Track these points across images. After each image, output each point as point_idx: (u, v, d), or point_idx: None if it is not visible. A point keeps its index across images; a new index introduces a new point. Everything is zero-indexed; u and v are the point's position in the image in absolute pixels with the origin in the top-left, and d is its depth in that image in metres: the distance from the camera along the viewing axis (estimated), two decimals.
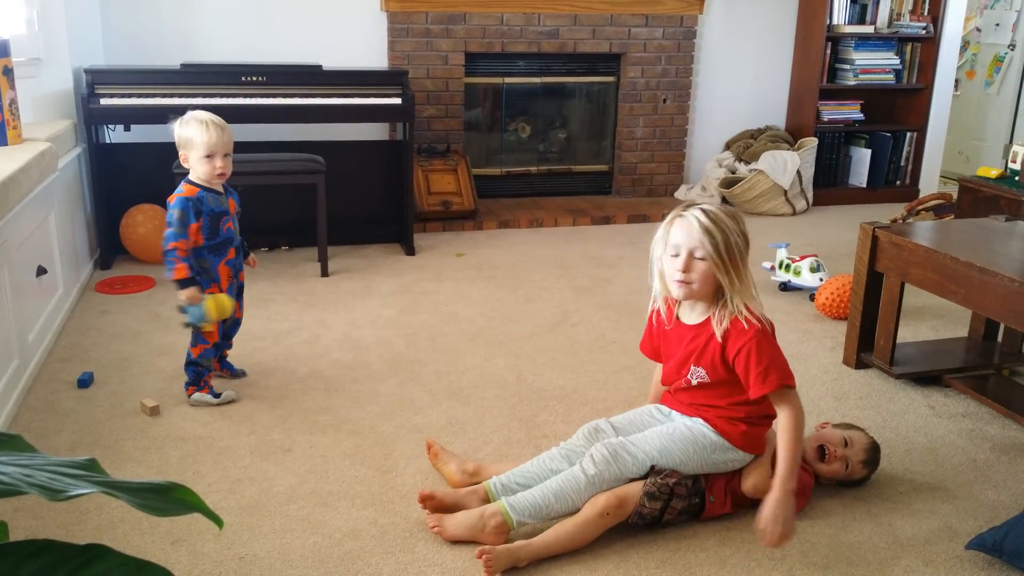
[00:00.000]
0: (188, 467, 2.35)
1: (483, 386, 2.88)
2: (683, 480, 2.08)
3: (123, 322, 3.39)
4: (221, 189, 2.71)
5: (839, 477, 2.28)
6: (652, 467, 2.08)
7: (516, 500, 2.04)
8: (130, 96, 3.98)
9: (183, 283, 2.58)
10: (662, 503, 2.04)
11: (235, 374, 2.91)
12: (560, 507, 2.03)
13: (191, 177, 2.67)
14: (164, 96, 4.03)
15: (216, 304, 2.59)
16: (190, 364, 2.72)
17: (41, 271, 3.04)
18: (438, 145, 5.04)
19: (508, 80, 5.29)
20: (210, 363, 2.74)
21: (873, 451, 2.31)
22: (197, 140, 2.62)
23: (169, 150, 4.09)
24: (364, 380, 2.92)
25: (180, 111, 3.99)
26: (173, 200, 2.63)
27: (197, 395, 2.70)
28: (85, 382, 2.81)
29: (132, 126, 4.21)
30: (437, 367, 3.02)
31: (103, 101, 3.92)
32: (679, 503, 2.06)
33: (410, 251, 4.38)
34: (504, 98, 5.36)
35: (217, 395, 2.71)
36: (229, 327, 2.84)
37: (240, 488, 2.25)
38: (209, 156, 2.62)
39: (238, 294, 2.79)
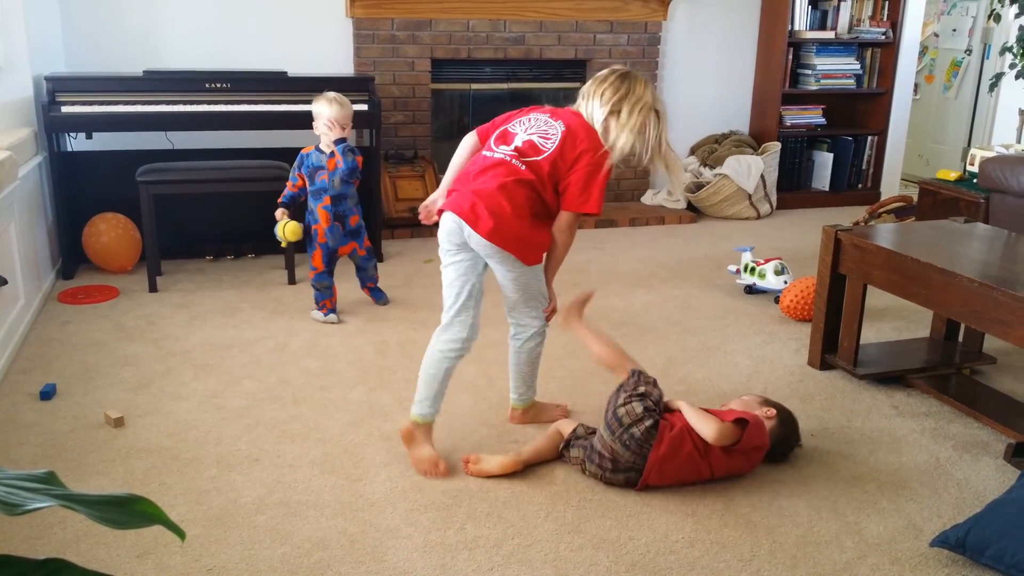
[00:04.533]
0: (153, 479, 2.32)
1: (453, 392, 2.86)
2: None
3: (86, 332, 3.35)
4: (327, 151, 3.49)
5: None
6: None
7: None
8: (92, 104, 3.93)
9: (277, 206, 3.53)
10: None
11: (379, 301, 3.72)
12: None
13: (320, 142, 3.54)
14: (127, 103, 3.98)
15: (285, 227, 3.44)
16: (312, 286, 3.54)
17: (1, 281, 2.99)
18: (405, 151, 5.03)
19: (475, 86, 5.29)
20: (322, 286, 3.51)
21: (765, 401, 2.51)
22: (322, 112, 3.46)
23: (131, 158, 4.08)
24: (333, 388, 2.90)
25: (143, 119, 3.99)
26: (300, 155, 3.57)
27: (314, 312, 3.53)
28: (47, 394, 2.77)
29: (94, 134, 4.17)
30: (407, 374, 3.01)
31: (64, 109, 3.87)
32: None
33: (378, 258, 4.36)
34: (471, 104, 5.36)
35: (327, 313, 3.50)
36: (358, 261, 3.66)
37: (207, 499, 2.22)
38: (328, 123, 3.45)
39: (351, 236, 3.57)
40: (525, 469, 2.38)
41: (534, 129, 2.42)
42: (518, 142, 2.40)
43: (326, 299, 3.53)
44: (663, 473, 2.26)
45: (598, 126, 2.40)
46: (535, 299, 2.52)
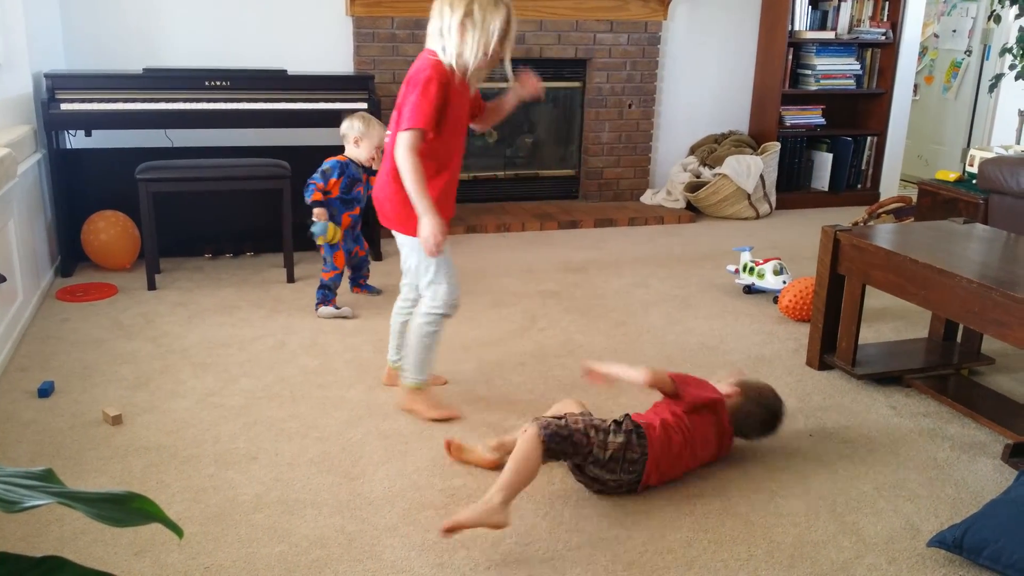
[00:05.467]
0: (151, 476, 2.32)
1: (451, 391, 2.88)
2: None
3: (84, 330, 3.34)
4: (363, 165, 3.63)
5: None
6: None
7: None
8: (91, 101, 3.93)
9: (315, 204, 3.52)
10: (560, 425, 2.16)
11: (372, 292, 3.85)
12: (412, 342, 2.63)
13: (348, 152, 3.62)
14: (126, 101, 3.98)
15: (332, 229, 3.52)
16: (321, 287, 3.58)
17: (0, 279, 2.98)
18: None
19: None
20: (336, 285, 3.58)
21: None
22: (375, 135, 3.58)
23: (131, 156, 4.08)
24: (331, 386, 2.90)
25: (142, 116, 3.99)
26: (330, 160, 3.59)
27: (323, 308, 3.55)
28: (45, 391, 2.77)
29: (93, 131, 4.16)
30: None
31: (64, 106, 3.87)
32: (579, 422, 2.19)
33: (377, 256, 4.36)
34: None
35: (339, 307, 3.56)
36: (357, 262, 3.80)
37: (204, 497, 2.22)
38: (378, 147, 3.57)
39: (357, 240, 3.74)
40: None
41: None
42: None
43: (334, 297, 3.58)
44: (661, 473, 2.27)
45: (453, 34, 2.39)
46: (426, 271, 2.54)
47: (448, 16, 2.39)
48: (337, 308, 3.55)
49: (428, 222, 2.41)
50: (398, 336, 2.83)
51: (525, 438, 2.09)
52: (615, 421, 2.26)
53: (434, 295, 2.56)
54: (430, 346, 2.61)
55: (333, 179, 3.54)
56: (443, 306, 2.57)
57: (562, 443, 2.12)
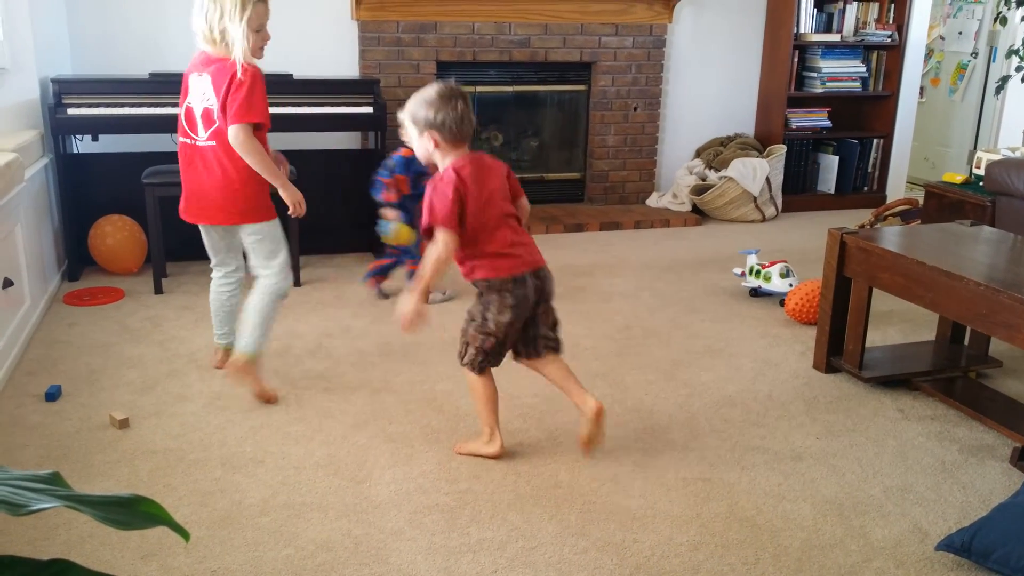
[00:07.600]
0: (158, 480, 2.32)
1: (457, 395, 2.87)
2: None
3: (91, 334, 3.35)
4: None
5: None
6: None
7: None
8: (98, 106, 3.94)
9: (383, 204, 3.55)
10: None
11: (381, 294, 3.81)
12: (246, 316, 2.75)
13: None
14: (132, 106, 3.99)
15: (399, 230, 3.54)
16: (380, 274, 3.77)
17: (7, 283, 3.00)
18: None
19: (480, 89, 5.30)
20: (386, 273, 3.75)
21: None
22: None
23: (137, 160, 4.09)
24: (337, 390, 2.90)
25: (149, 121, 4.00)
26: (394, 155, 3.55)
27: (432, 295, 3.60)
28: (52, 395, 2.77)
29: (100, 136, 4.18)
30: (410, 376, 3.02)
31: (70, 111, 3.88)
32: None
33: None
34: (476, 107, 5.35)
35: (444, 293, 3.75)
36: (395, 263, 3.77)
37: (211, 501, 2.23)
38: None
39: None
40: (531, 472, 2.38)
41: (198, 97, 2.69)
42: (200, 118, 2.69)
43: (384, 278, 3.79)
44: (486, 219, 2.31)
45: (219, 34, 2.62)
46: (275, 255, 2.79)
47: (213, 15, 2.62)
48: (443, 294, 3.73)
49: (292, 190, 2.76)
50: (224, 316, 2.96)
51: (467, 380, 2.44)
52: (477, 298, 2.36)
53: (284, 276, 2.78)
54: (272, 318, 2.80)
55: (402, 176, 3.53)
56: (288, 287, 2.81)
57: (480, 358, 2.36)
